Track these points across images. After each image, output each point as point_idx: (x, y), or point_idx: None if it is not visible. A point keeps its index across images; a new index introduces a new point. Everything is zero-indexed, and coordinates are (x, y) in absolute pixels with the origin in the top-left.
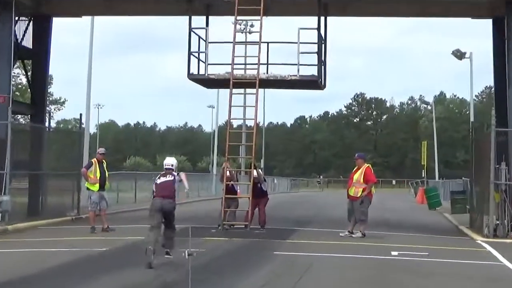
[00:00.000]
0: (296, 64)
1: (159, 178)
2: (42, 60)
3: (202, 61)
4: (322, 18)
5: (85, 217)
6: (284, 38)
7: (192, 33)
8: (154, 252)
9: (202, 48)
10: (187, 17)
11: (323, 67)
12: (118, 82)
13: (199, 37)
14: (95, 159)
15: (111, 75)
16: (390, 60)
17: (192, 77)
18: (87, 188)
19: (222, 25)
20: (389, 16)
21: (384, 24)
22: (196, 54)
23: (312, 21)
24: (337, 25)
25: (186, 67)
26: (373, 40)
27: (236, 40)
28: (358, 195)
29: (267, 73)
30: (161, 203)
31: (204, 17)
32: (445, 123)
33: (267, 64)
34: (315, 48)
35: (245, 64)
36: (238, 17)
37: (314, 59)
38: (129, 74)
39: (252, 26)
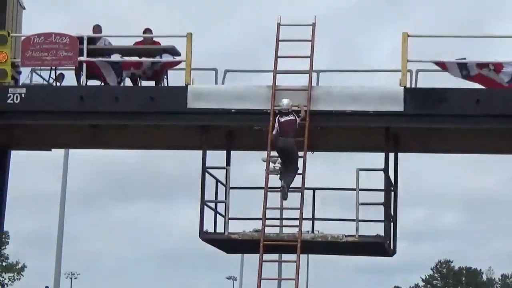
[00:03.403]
0: (354, 220)
1: (281, 116)
2: None
3: (221, 215)
4: (391, 155)
5: None
6: (336, 182)
7: (206, 174)
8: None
9: (221, 196)
10: (200, 151)
11: (392, 224)
12: (99, 242)
13: (217, 181)
14: None
15: (90, 231)
16: (490, 214)
17: (207, 237)
18: None
19: (249, 163)
20: (492, 153)
21: (482, 164)
22: (212, 205)
23: (377, 158)
24: (413, 164)
25: (197, 223)
26: (465, 188)
27: (270, 186)
28: None
29: (312, 232)
30: (284, 143)
31: (224, 152)
32: None
33: (313, 219)
34: (381, 197)
35: (281, 219)
36: (273, 153)
37: (379, 213)
38: (115, 231)
39: None
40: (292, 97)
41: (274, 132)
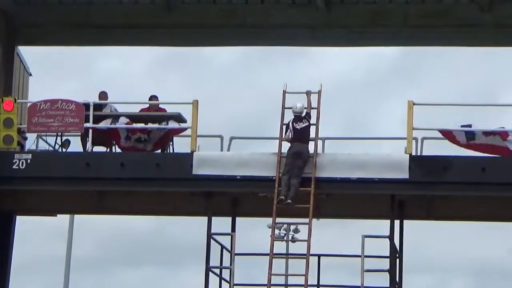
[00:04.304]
0: (359, 287)
1: (296, 122)
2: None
3: (226, 281)
4: (397, 222)
5: None
6: (341, 249)
7: (211, 240)
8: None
9: (226, 262)
10: (205, 218)
11: None
12: None
13: (222, 247)
14: None
15: None
16: (498, 283)
17: None
18: None
19: (254, 230)
20: (498, 221)
21: (489, 232)
22: (217, 271)
23: (382, 225)
24: (418, 231)
25: None
26: (472, 256)
27: (274, 252)
28: None
29: None
30: (300, 149)
31: (230, 218)
32: None
33: (318, 286)
34: (386, 264)
35: (286, 285)
36: (278, 219)
37: (385, 280)
38: None
39: (296, 231)
40: None
41: (287, 137)
